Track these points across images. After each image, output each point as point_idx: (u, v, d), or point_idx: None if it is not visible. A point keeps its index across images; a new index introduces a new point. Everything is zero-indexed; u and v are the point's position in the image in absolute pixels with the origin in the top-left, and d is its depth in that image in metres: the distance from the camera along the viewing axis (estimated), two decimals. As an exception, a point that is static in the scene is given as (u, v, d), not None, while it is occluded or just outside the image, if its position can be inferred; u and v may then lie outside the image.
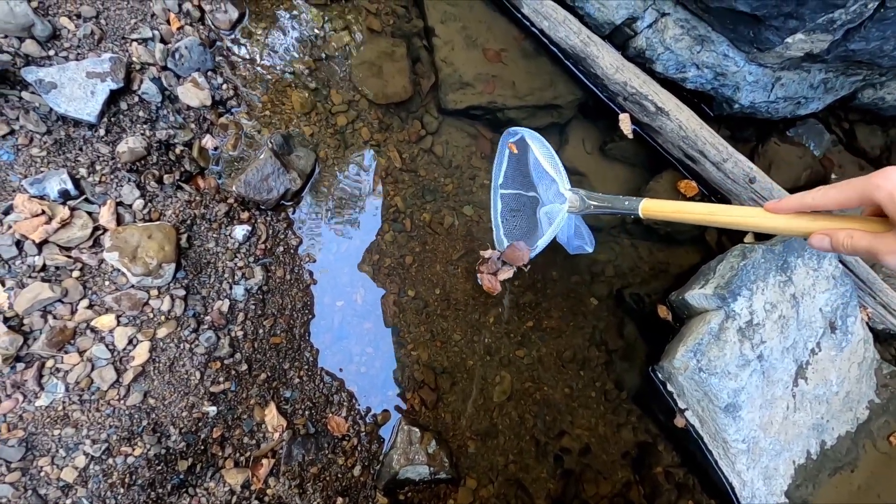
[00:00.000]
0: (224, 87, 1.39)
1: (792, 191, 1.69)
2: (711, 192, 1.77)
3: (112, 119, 1.20)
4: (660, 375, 1.55)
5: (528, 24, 1.75)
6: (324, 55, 1.60)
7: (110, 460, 1.01)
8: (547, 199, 1.51)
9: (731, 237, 1.79)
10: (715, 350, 1.40)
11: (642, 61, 1.73)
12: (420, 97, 1.72)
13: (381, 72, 1.65)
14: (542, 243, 1.39)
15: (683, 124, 1.64)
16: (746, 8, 1.42)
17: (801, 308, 1.49)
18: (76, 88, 1.13)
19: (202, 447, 1.11)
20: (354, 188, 1.52)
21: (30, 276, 1.02)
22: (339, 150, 1.53)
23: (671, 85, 1.74)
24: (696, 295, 1.48)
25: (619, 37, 1.73)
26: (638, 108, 1.70)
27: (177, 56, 1.31)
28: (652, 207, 1.12)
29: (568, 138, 1.85)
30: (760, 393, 1.45)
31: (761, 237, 1.75)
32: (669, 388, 1.53)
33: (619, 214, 1.23)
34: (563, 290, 1.68)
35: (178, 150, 1.29)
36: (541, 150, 1.43)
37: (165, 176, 1.24)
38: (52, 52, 1.15)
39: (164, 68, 1.30)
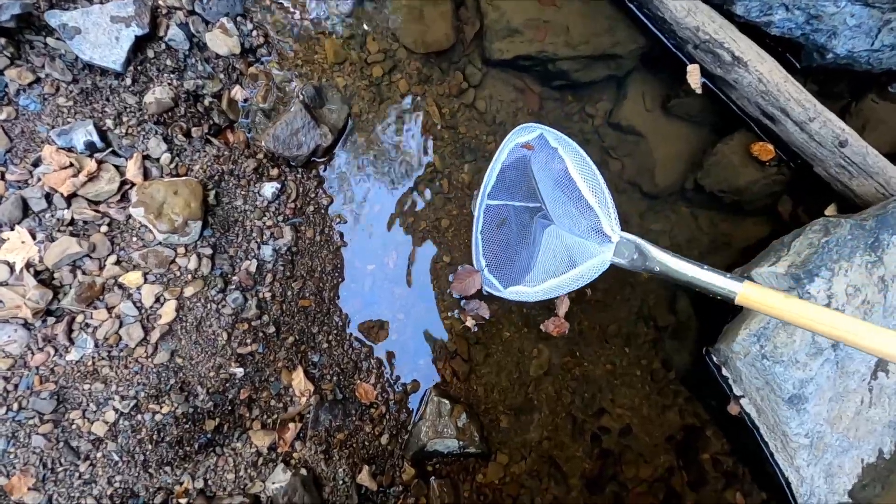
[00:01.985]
0: (254, 33, 1.31)
1: (888, 157, 1.46)
2: (791, 157, 1.56)
3: (139, 68, 1.14)
4: (715, 358, 1.42)
5: (587, -40, 1.55)
6: (360, -1, 1.48)
7: (139, 416, 1.01)
8: (569, 225, 1.15)
9: (808, 209, 1.59)
10: (783, 336, 1.25)
11: (720, 2, 1.50)
12: (463, 46, 1.58)
13: (422, 17, 1.51)
14: (553, 287, 1.06)
15: (765, 77, 1.42)
16: (859, -69, 1.17)
17: (890, 292, 1.30)
18: (100, 34, 1.08)
19: (229, 408, 1.10)
20: (389, 145, 1.43)
21: (59, 230, 1.01)
22: (373, 103, 1.43)
23: (752, 31, 1.50)
24: (765, 273, 1.32)
25: (693, -27, 1.50)
26: (711, 57, 1.49)
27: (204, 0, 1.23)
28: (758, 299, 0.81)
29: (626, 93, 1.66)
30: (832, 385, 1.30)
31: (846, 209, 1.54)
32: (725, 372, 1.40)
33: (699, 289, 0.89)
34: (610, 261, 1.55)
35: (206, 102, 1.23)
36: (577, 165, 1.09)
37: (193, 129, 1.19)
38: (75, -5, 1.10)
39: (192, 13, 1.23)
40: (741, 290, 0.85)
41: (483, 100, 1.58)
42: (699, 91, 1.57)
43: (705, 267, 0.92)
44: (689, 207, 1.66)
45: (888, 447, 1.42)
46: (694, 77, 1.55)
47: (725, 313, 1.52)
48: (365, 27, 1.47)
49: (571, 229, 1.15)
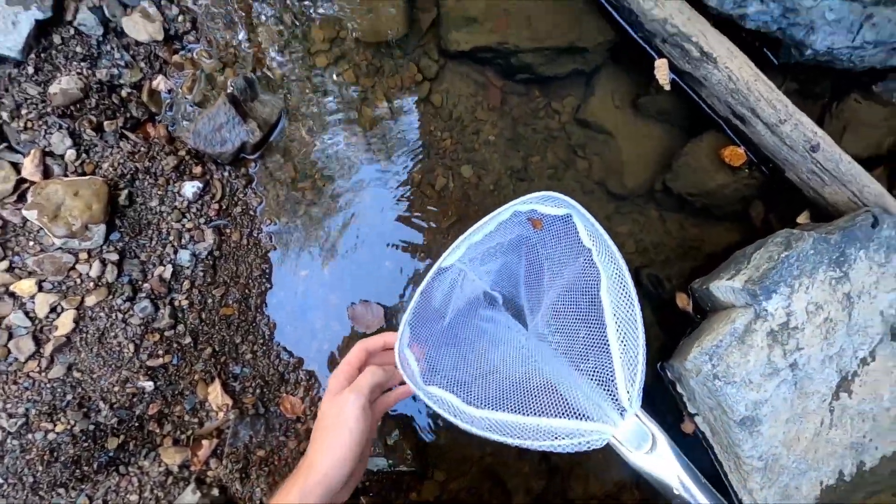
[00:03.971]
0: (180, 18, 1.21)
1: (868, 161, 1.37)
2: (762, 161, 1.46)
3: (42, 55, 1.05)
4: (669, 374, 1.34)
5: (550, -57, 1.44)
6: (304, -18, 1.38)
7: (29, 435, 0.95)
8: (565, 350, 0.76)
9: (780, 216, 1.50)
10: (736, 355, 1.17)
11: (691, -8, 1.39)
12: (419, 35, 1.48)
13: (373, 3, 1.41)
14: (507, 425, 0.67)
15: (734, 74, 1.33)
16: (834, -84, 1.07)
17: (855, 310, 1.22)
18: (-6, 18, 0.98)
19: (137, 424, 1.04)
20: (328, 142, 1.34)
21: (-57, 234, 0.93)
22: (314, 96, 1.34)
23: (726, 24, 1.40)
24: (723, 287, 1.24)
25: (664, -40, 1.39)
26: (679, 52, 1.39)
27: (121, -19, 1.13)
28: None
29: (595, 89, 1.57)
30: (789, 406, 1.23)
31: (820, 217, 1.45)
32: (679, 389, 1.33)
33: None
34: (567, 269, 1.46)
35: (123, 93, 1.14)
36: (613, 290, 0.71)
37: (106, 122, 1.10)
38: (-33, -26, 1.00)
39: (107, -5, 1.13)
40: None
41: (439, 94, 1.48)
42: (668, 87, 1.47)
43: None
44: (658, 210, 1.57)
45: (849, 469, 1.35)
46: (662, 72, 1.45)
47: (685, 325, 1.44)
48: (310, 13, 1.37)
49: (567, 355, 0.75)
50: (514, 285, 0.93)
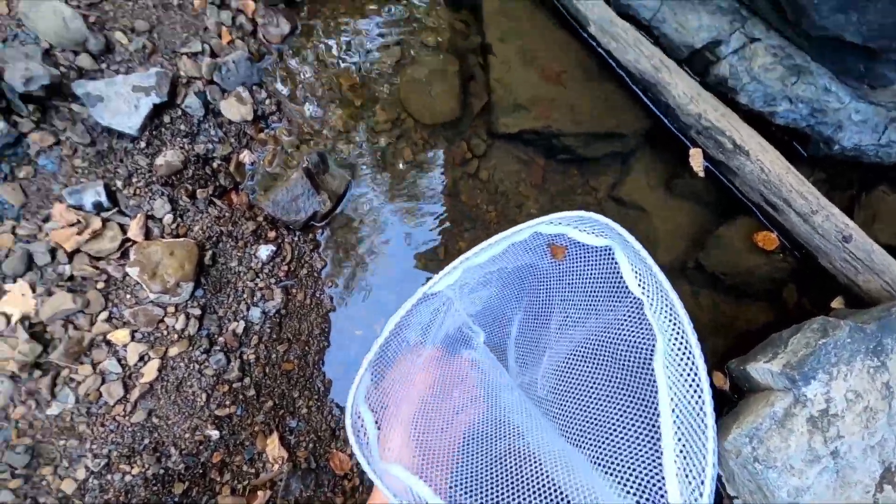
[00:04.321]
0: (268, 101, 1.38)
1: (898, 251, 1.42)
2: (795, 247, 1.53)
3: (153, 132, 1.22)
4: (707, 453, 1.35)
5: (594, 44, 1.61)
6: (373, 71, 1.56)
7: (109, 476, 1.02)
8: (581, 426, 0.56)
9: (813, 300, 1.54)
10: (777, 439, 1.19)
11: (724, 91, 1.52)
12: (470, 118, 1.64)
13: (431, 90, 1.58)
14: None
15: (766, 167, 1.42)
16: (858, 39, 1.19)
17: (895, 401, 1.24)
18: (121, 103, 1.15)
19: (201, 471, 1.10)
20: (388, 212, 1.47)
21: (57, 285, 1.06)
22: (376, 170, 1.48)
23: (757, 119, 1.52)
24: (761, 369, 1.28)
25: (698, 62, 1.54)
26: (713, 143, 1.50)
27: (223, 70, 1.31)
28: None
29: (630, 170, 1.68)
30: (832, 495, 1.22)
31: (854, 302, 1.49)
32: (717, 470, 1.33)
33: None
34: (604, 341, 1.52)
35: (215, 165, 1.29)
36: (672, 358, 0.51)
37: (199, 191, 1.24)
38: (104, 66, 1.19)
39: (210, 82, 1.31)
40: None
41: (487, 170, 1.61)
42: (702, 174, 1.57)
43: None
44: (690, 286, 1.63)
45: (897, 567, 1.31)
46: (696, 161, 1.56)
47: (722, 405, 1.46)
48: (375, 97, 1.54)
49: (580, 440, 0.55)
50: (504, 325, 0.72)
